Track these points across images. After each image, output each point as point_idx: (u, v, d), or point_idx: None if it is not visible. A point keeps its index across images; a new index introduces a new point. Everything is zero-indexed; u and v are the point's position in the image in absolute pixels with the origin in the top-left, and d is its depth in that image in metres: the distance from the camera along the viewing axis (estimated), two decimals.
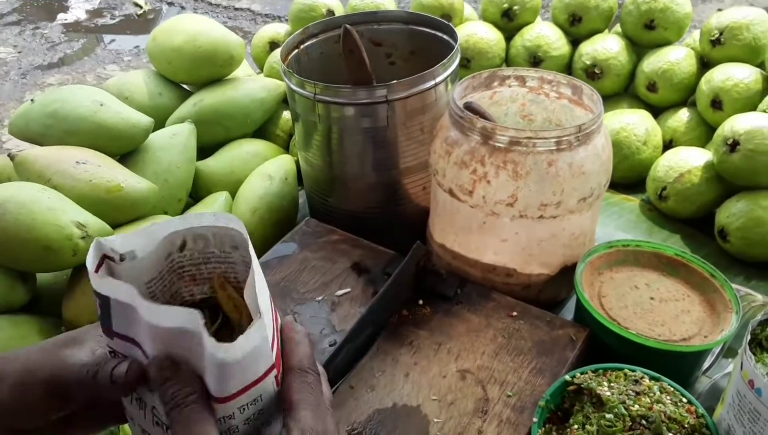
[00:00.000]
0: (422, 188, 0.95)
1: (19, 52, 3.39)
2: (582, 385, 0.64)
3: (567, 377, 0.66)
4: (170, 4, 3.82)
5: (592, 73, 1.22)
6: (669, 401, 0.62)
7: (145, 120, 0.99)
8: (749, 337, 0.58)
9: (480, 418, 0.66)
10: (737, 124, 0.97)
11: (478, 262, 0.83)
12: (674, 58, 1.16)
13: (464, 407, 0.67)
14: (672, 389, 0.64)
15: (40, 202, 0.81)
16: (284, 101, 1.20)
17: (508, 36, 1.32)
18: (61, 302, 0.87)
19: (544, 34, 1.27)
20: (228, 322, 0.45)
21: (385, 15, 1.02)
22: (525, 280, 0.83)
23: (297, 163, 1.08)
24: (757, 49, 1.10)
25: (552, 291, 0.86)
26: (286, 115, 1.22)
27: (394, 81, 0.85)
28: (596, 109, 0.79)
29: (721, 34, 1.11)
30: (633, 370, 0.66)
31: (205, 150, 1.12)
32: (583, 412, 0.62)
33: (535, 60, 1.26)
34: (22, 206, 0.79)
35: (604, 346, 0.73)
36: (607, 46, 1.22)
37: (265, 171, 1.04)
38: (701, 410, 0.62)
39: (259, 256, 0.88)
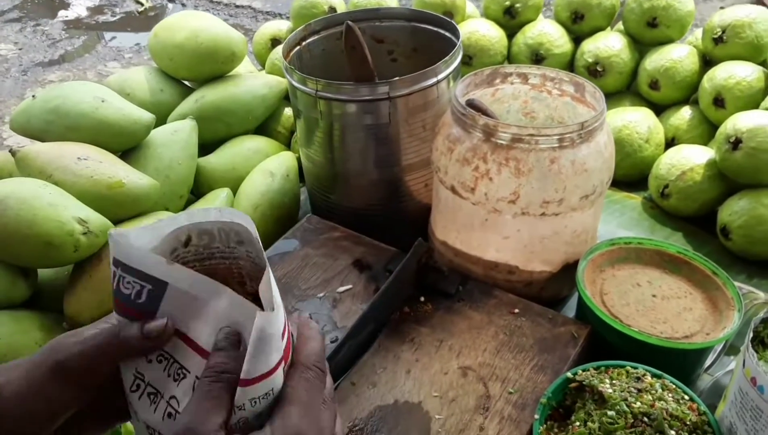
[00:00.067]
0: (424, 185, 0.95)
1: (20, 49, 3.39)
2: (584, 383, 0.64)
3: (569, 374, 0.66)
4: (171, 0, 3.81)
5: (594, 71, 1.21)
6: (671, 399, 0.62)
7: (147, 116, 0.99)
8: (751, 335, 0.58)
9: (481, 415, 0.66)
10: (739, 122, 0.97)
11: (480, 260, 0.83)
12: (676, 56, 1.16)
13: (466, 404, 0.67)
14: (674, 387, 0.64)
15: (41, 198, 0.81)
16: (286, 98, 1.20)
17: (510, 33, 1.32)
18: (62, 298, 0.87)
19: (546, 31, 1.27)
20: None
21: (387, 12, 1.02)
22: (527, 277, 0.83)
23: (298, 159, 1.08)
24: (759, 47, 1.10)
25: (554, 288, 0.85)
26: (288, 111, 1.22)
27: (396, 78, 0.85)
28: (599, 107, 0.79)
29: (723, 32, 1.11)
30: (635, 368, 0.66)
31: (206, 146, 1.12)
32: (584, 410, 0.62)
33: (537, 58, 1.26)
34: (23, 202, 0.79)
35: (606, 343, 0.73)
36: (609, 44, 1.21)
37: (266, 168, 1.04)
38: (703, 408, 0.62)
39: None
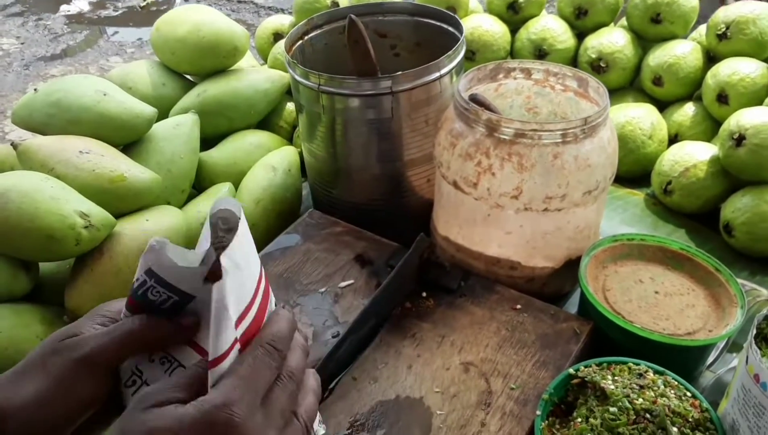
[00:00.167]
0: (426, 180, 0.95)
1: (22, 44, 3.39)
2: (586, 379, 0.64)
3: (571, 370, 0.65)
4: None
5: (598, 67, 1.21)
6: (673, 395, 0.62)
7: (149, 110, 0.99)
8: (755, 332, 0.58)
9: (483, 411, 0.66)
10: (743, 118, 0.97)
11: (482, 255, 0.83)
12: (680, 52, 1.15)
13: (467, 400, 0.67)
14: (676, 383, 0.64)
15: (43, 191, 0.80)
16: (288, 93, 1.20)
17: (514, 29, 1.32)
18: (63, 291, 0.87)
19: (549, 27, 1.26)
20: None
21: (391, 6, 1.02)
22: (529, 273, 0.83)
23: (300, 154, 1.07)
24: (763, 43, 1.09)
25: (556, 284, 0.85)
26: (290, 106, 1.22)
27: (399, 72, 0.85)
28: (602, 102, 0.79)
29: (727, 28, 1.11)
30: (637, 364, 0.66)
31: (208, 141, 1.12)
32: (586, 406, 0.62)
33: (541, 53, 1.26)
34: (25, 195, 0.79)
35: (608, 339, 0.73)
36: (612, 40, 1.21)
37: (268, 162, 1.04)
38: (705, 404, 0.62)
39: (262, 248, 0.88)
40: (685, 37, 1.22)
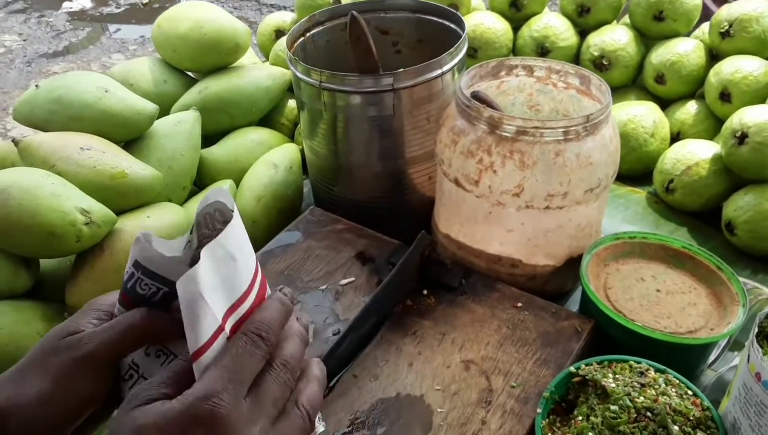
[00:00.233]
0: (428, 178, 0.95)
1: (24, 40, 3.39)
2: (587, 377, 0.64)
3: (572, 369, 0.65)
4: None
5: (600, 65, 1.21)
6: (674, 394, 0.62)
7: (150, 107, 0.99)
8: (756, 330, 0.58)
9: (484, 409, 0.65)
10: (746, 116, 0.97)
11: (484, 253, 0.83)
12: (683, 50, 1.15)
13: (468, 397, 0.67)
14: (677, 382, 0.64)
15: (44, 187, 0.80)
16: (290, 90, 1.20)
17: (516, 26, 1.31)
18: (64, 288, 0.87)
19: (551, 24, 1.26)
20: None
21: (393, 3, 1.02)
22: (530, 271, 0.83)
23: (302, 151, 1.07)
24: (766, 41, 1.09)
25: (557, 282, 0.85)
26: (292, 103, 1.22)
27: (401, 69, 0.84)
28: (604, 100, 0.78)
29: (730, 26, 1.10)
30: (638, 362, 0.66)
31: (209, 138, 1.12)
32: (587, 404, 0.62)
33: (543, 51, 1.26)
34: (26, 192, 0.79)
35: (610, 338, 0.73)
36: (615, 38, 1.21)
37: (270, 159, 1.04)
38: (707, 403, 0.62)
39: (263, 245, 0.88)
40: (688, 35, 1.22)
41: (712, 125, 1.12)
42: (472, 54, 1.27)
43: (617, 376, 0.64)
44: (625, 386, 0.62)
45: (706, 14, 1.24)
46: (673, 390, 0.63)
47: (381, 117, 0.87)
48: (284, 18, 1.36)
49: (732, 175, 1.01)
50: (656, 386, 0.62)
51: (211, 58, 1.13)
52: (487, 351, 0.72)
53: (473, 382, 0.68)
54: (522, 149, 0.74)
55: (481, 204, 0.79)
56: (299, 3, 1.29)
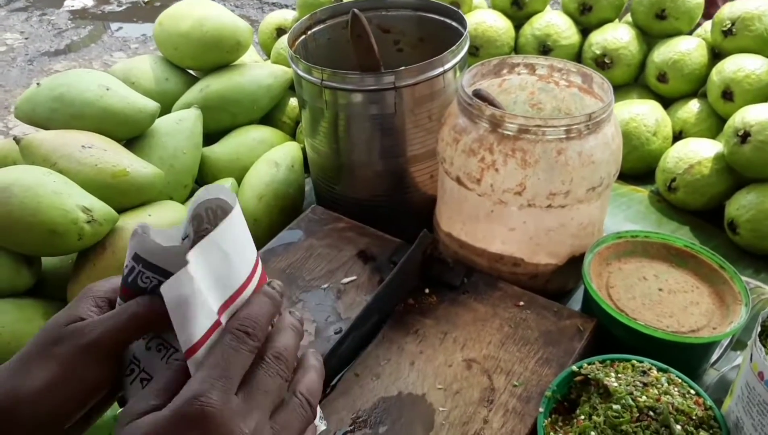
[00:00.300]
0: (429, 176, 0.94)
1: (26, 39, 3.39)
2: (589, 376, 0.64)
3: (574, 368, 0.65)
4: None
5: (602, 63, 1.21)
6: (677, 393, 0.62)
7: (152, 105, 0.99)
8: (759, 329, 0.58)
9: (485, 408, 0.65)
10: (748, 115, 0.96)
11: (485, 251, 0.83)
12: (685, 49, 1.15)
13: (470, 396, 0.67)
14: (680, 381, 0.64)
15: (45, 185, 0.80)
16: (291, 88, 1.20)
17: (518, 24, 1.31)
18: (66, 286, 0.87)
19: (553, 23, 1.26)
20: None
21: (394, 1, 1.02)
22: (532, 269, 0.83)
23: (303, 150, 1.07)
24: None
25: (559, 281, 0.85)
26: (293, 101, 1.22)
27: (402, 67, 0.84)
28: (606, 98, 0.78)
29: (733, 24, 1.10)
30: (641, 362, 0.66)
31: (211, 136, 1.12)
32: (589, 403, 0.62)
33: (545, 49, 1.25)
34: (27, 190, 0.79)
35: (612, 337, 0.73)
36: (617, 36, 1.21)
37: (271, 158, 1.04)
38: (709, 402, 0.62)
39: (264, 243, 0.87)
40: (690, 34, 1.22)
41: (714, 124, 1.12)
42: (474, 52, 1.27)
43: (619, 375, 0.64)
44: (627, 385, 0.62)
45: (708, 12, 1.23)
46: (676, 389, 0.62)
47: (382, 115, 0.87)
48: (286, 16, 1.36)
49: (734, 174, 1.01)
50: (659, 385, 0.62)
51: (213, 56, 1.13)
52: (489, 350, 0.72)
53: (475, 381, 0.68)
54: (524, 148, 0.74)
55: (482, 202, 0.79)
56: (301, 1, 1.28)
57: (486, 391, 0.67)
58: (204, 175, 1.07)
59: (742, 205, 0.95)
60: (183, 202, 1.00)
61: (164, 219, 0.89)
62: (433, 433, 0.63)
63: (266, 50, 1.36)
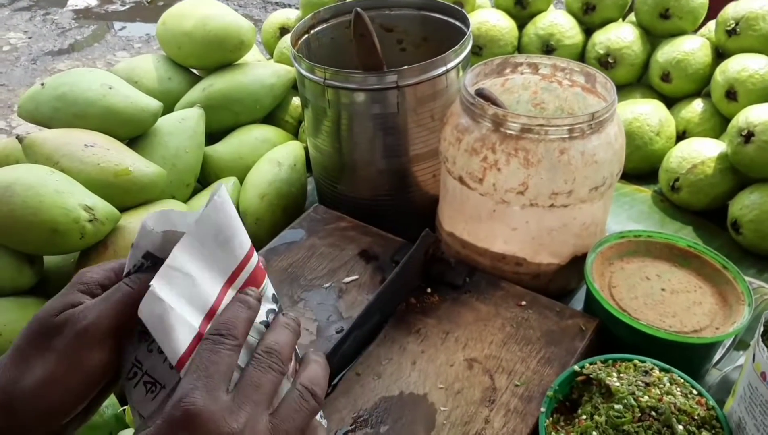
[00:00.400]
0: (432, 176, 0.94)
1: (30, 38, 3.40)
2: (591, 376, 0.63)
3: (576, 367, 0.65)
4: None
5: (606, 63, 1.20)
6: (679, 393, 0.62)
7: (154, 104, 0.99)
8: (762, 330, 0.57)
9: (487, 407, 0.65)
10: (752, 115, 0.96)
11: (488, 251, 0.83)
12: (689, 48, 1.15)
13: (471, 396, 0.67)
14: (682, 381, 0.63)
15: (47, 184, 0.80)
16: (294, 87, 1.20)
17: (521, 24, 1.31)
18: None
19: (557, 22, 1.26)
20: None
21: (397, 0, 1.01)
22: (534, 269, 0.83)
23: (306, 149, 1.07)
24: None
25: (562, 281, 0.85)
26: (296, 101, 1.22)
27: (405, 67, 0.84)
28: (609, 97, 0.78)
29: (737, 24, 1.10)
30: (643, 361, 0.65)
31: (213, 135, 1.12)
32: (591, 403, 0.62)
33: (548, 48, 1.25)
34: (29, 188, 0.79)
35: (614, 336, 0.73)
36: (621, 35, 1.20)
37: (274, 157, 1.04)
38: (712, 402, 0.62)
39: (267, 243, 0.87)
40: (694, 33, 1.21)
41: (717, 124, 1.12)
42: (477, 52, 1.26)
43: (621, 375, 0.63)
44: (629, 385, 0.62)
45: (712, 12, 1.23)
46: (678, 389, 0.62)
47: (385, 114, 0.87)
48: (289, 15, 1.36)
49: (738, 174, 1.00)
50: (661, 385, 0.62)
51: (216, 55, 1.13)
52: (490, 349, 0.71)
53: (477, 380, 0.68)
54: (526, 147, 0.74)
55: (485, 202, 0.79)
56: (304, 0, 1.28)
57: (487, 391, 0.67)
58: (206, 175, 1.07)
59: (746, 205, 0.95)
60: (185, 201, 1.00)
61: None
62: (434, 432, 0.63)
63: (269, 49, 1.36)
